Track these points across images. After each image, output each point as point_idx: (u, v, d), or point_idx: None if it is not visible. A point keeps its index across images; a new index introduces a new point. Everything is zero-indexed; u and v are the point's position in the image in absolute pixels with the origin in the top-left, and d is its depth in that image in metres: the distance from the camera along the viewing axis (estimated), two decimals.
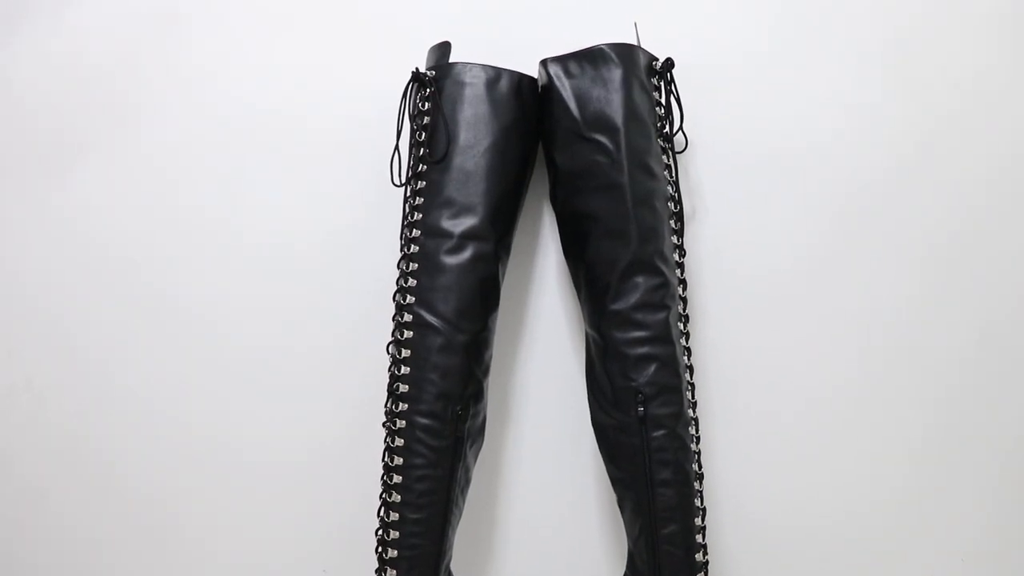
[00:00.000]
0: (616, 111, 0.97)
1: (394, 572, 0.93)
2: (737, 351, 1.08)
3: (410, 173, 1.00)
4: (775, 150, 1.09)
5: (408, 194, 1.00)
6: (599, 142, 0.96)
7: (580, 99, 0.98)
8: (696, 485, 0.95)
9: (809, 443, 1.09)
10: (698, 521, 0.95)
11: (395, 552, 0.93)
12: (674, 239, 1.00)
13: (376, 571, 0.94)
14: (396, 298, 0.98)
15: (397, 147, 1.02)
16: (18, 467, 1.16)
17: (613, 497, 0.98)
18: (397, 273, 0.97)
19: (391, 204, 1.06)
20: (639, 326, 0.95)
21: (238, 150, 1.13)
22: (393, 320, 0.97)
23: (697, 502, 0.95)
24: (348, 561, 1.10)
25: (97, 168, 1.15)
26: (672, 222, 0.99)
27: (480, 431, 0.99)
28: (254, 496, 1.13)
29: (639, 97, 0.98)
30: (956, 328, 1.09)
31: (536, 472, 1.10)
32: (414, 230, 0.98)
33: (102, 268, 1.15)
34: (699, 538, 0.95)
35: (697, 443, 0.96)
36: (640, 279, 0.95)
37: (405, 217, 0.99)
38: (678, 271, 0.99)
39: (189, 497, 1.14)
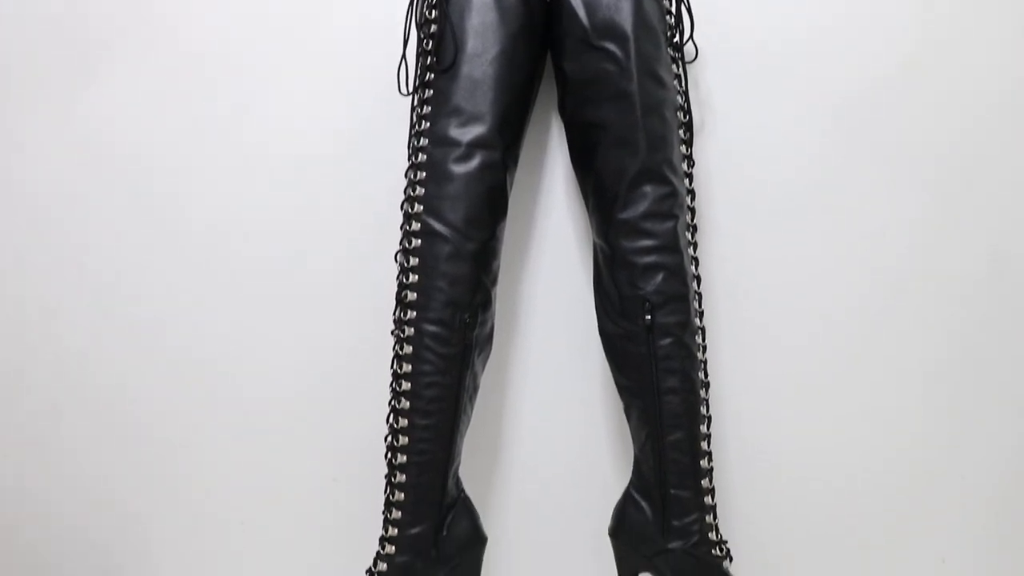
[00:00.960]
0: (626, 19, 0.95)
1: (403, 477, 0.94)
2: (743, 263, 1.08)
3: (417, 82, 0.99)
4: (786, 61, 1.08)
5: (415, 103, 0.99)
6: (608, 50, 0.95)
7: (589, 7, 0.96)
8: (702, 393, 0.96)
9: (813, 356, 1.10)
10: (703, 428, 0.96)
11: (404, 458, 0.95)
12: (683, 149, 0.99)
13: (386, 476, 0.96)
14: (404, 207, 0.97)
15: (404, 56, 1.02)
16: (29, 385, 1.17)
17: (620, 405, 0.99)
18: (405, 182, 0.97)
19: (399, 114, 1.05)
20: (647, 235, 0.95)
21: (249, 61, 1.12)
22: (401, 229, 0.97)
23: (703, 410, 0.96)
24: (358, 470, 1.11)
25: (111, 81, 1.14)
26: (681, 132, 0.99)
27: (488, 339, 1.00)
28: (263, 408, 1.14)
29: (649, 5, 0.96)
30: (967, 243, 1.09)
31: (543, 381, 1.12)
32: (422, 139, 0.97)
33: (115, 182, 1.14)
34: (704, 445, 0.96)
35: (703, 352, 0.97)
36: (648, 188, 0.95)
37: (412, 126, 0.99)
38: (687, 181, 0.99)
39: (199, 410, 1.15)
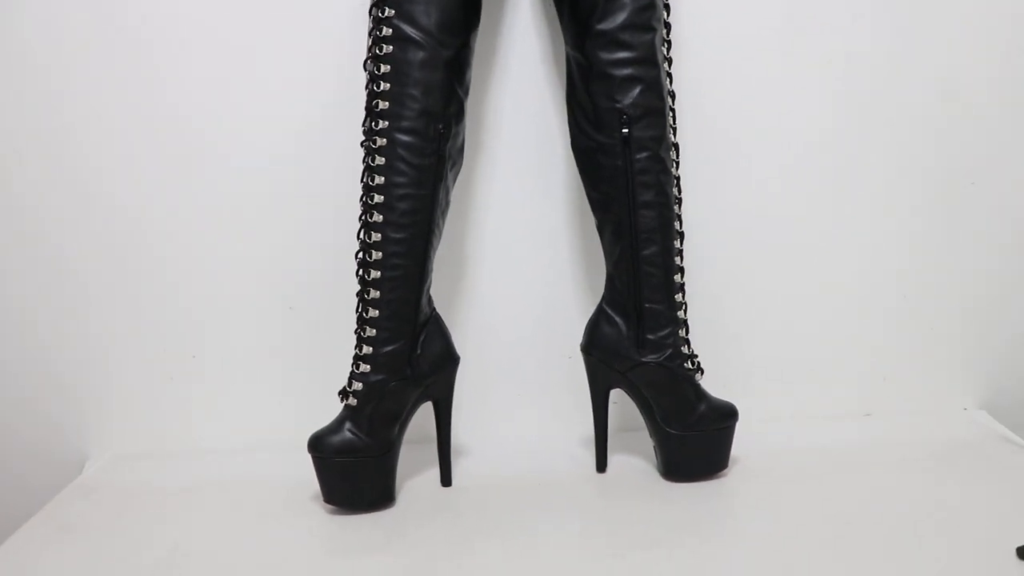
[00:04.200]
0: None
1: (377, 293, 0.91)
2: (715, 83, 1.08)
3: None
4: None
5: None
6: None
7: None
8: (676, 208, 0.97)
9: (781, 180, 1.12)
10: (677, 244, 0.97)
11: (378, 273, 0.91)
12: None
13: (357, 294, 0.92)
14: (372, 11, 0.92)
15: None
16: None
17: (586, 224, 0.98)
18: None
19: None
20: (625, 46, 0.93)
21: None
22: (370, 35, 0.92)
23: (676, 225, 0.97)
24: (312, 297, 1.09)
25: None
26: None
27: (460, 153, 0.97)
28: (224, 224, 1.09)
29: None
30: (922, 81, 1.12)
31: (508, 198, 1.10)
32: None
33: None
34: (677, 260, 0.97)
35: (677, 168, 0.97)
36: None
37: None
38: None
39: (164, 210, 1.09)
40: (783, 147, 1.11)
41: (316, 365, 1.08)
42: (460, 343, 1.00)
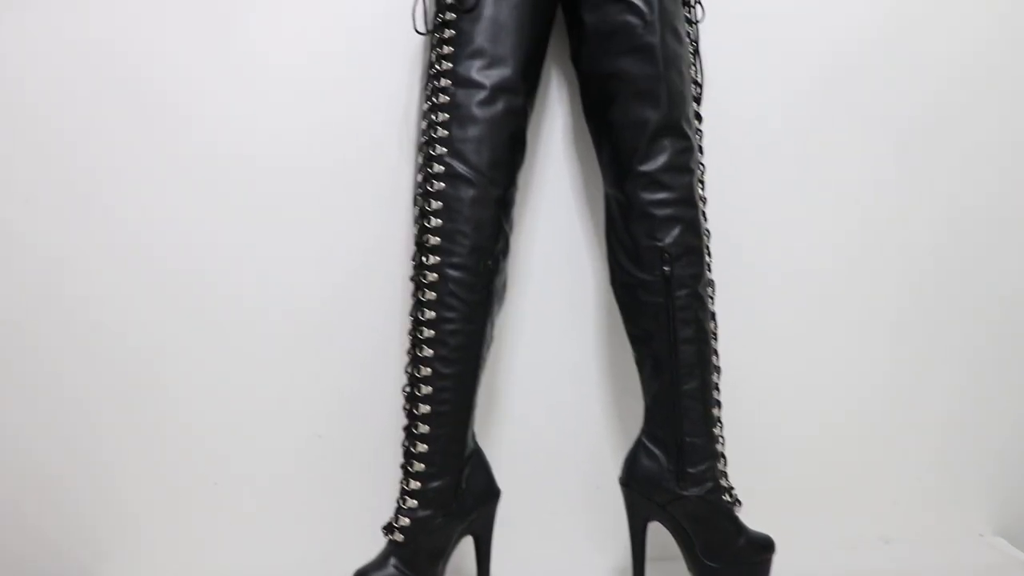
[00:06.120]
0: None
1: (426, 428, 0.91)
2: (736, 221, 1.12)
3: (437, 20, 0.96)
4: (776, 28, 1.12)
5: (434, 43, 0.96)
6: (631, 3, 0.95)
7: None
8: (713, 343, 0.99)
9: (793, 307, 1.15)
10: (715, 378, 0.99)
11: (427, 407, 0.91)
12: (694, 105, 1.01)
13: (404, 428, 0.92)
14: (424, 149, 0.94)
15: None
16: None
17: (622, 355, 0.99)
18: (419, 119, 0.94)
19: (405, 51, 1.03)
20: (666, 188, 0.96)
21: None
22: (421, 171, 0.94)
23: (714, 360, 0.99)
24: (341, 425, 1.08)
25: None
26: (693, 88, 1.01)
27: (504, 288, 0.98)
28: (245, 359, 1.07)
29: None
30: (932, 205, 1.17)
31: (544, 329, 1.11)
32: (443, 79, 0.94)
33: (116, 98, 1.04)
34: (715, 394, 0.99)
35: (713, 303, 1.00)
36: (668, 142, 0.96)
37: (431, 66, 0.95)
38: (698, 137, 1.01)
39: (177, 346, 1.07)
40: (798, 286, 1.15)
41: (345, 495, 1.07)
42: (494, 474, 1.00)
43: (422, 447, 0.91)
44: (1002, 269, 1.19)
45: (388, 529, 0.91)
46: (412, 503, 0.91)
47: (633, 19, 0.96)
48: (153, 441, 1.08)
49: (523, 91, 0.95)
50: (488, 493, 0.97)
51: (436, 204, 0.93)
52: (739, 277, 1.12)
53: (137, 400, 1.08)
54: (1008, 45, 1.17)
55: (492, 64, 0.94)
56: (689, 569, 0.99)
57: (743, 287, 1.13)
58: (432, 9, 0.97)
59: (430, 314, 0.92)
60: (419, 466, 0.91)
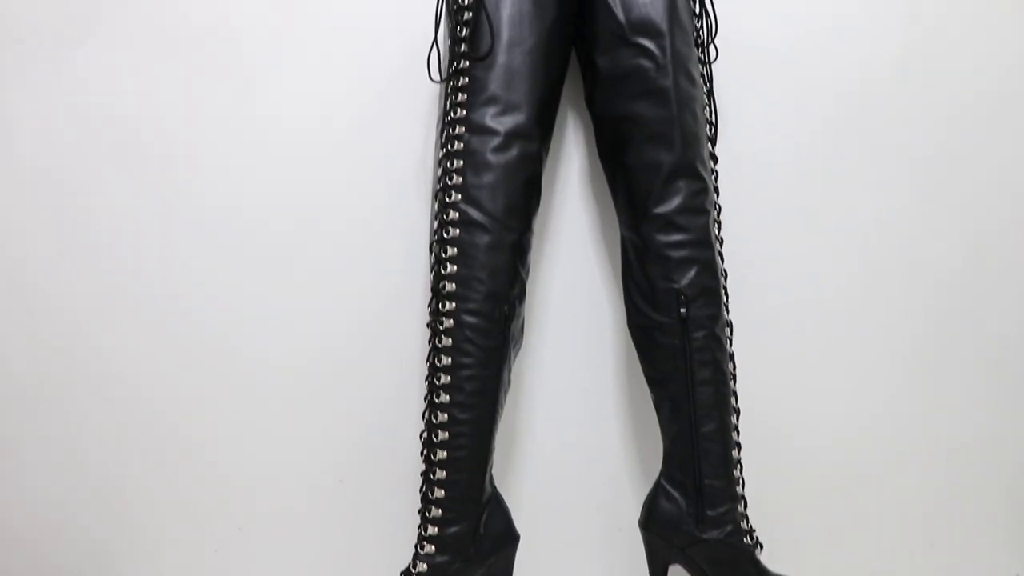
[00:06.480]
0: (661, 16, 0.97)
1: (444, 473, 0.91)
2: (753, 260, 1.12)
3: (452, 68, 0.97)
4: (788, 67, 1.12)
5: (448, 90, 0.97)
6: (644, 46, 0.96)
7: (625, 2, 0.98)
8: (731, 384, 0.98)
9: (809, 344, 1.14)
10: (733, 419, 0.98)
11: (444, 453, 0.92)
12: (709, 146, 1.02)
13: (422, 474, 0.92)
14: (439, 195, 0.95)
15: (436, 42, 0.99)
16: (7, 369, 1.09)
17: (639, 397, 0.99)
18: (435, 166, 0.95)
19: (418, 99, 1.04)
20: (681, 230, 0.96)
21: (262, 36, 1.08)
22: (437, 218, 0.95)
23: (732, 401, 0.98)
24: (362, 471, 1.08)
25: (106, 39, 1.08)
26: (707, 129, 1.01)
27: (520, 333, 0.99)
28: (267, 405, 1.09)
29: (680, 3, 0.99)
30: (949, 237, 1.16)
31: (558, 375, 1.11)
32: (457, 127, 0.95)
33: (118, 156, 1.07)
34: (734, 436, 0.98)
35: (731, 344, 0.99)
36: (682, 183, 0.96)
37: (446, 113, 0.97)
38: (713, 177, 1.01)
39: (204, 395, 1.09)
40: (816, 325, 1.14)
41: (365, 540, 1.08)
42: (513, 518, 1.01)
43: (440, 492, 0.92)
44: (1016, 295, 1.18)
45: (407, 574, 0.92)
46: (430, 548, 0.92)
47: (646, 63, 0.96)
48: (180, 486, 1.10)
49: (537, 136, 0.96)
50: (507, 537, 0.97)
51: (452, 251, 0.94)
52: (758, 317, 1.12)
53: (167, 448, 1.10)
54: (1020, 76, 1.16)
55: (506, 111, 0.95)
56: None
57: (761, 327, 1.12)
58: (446, 57, 0.99)
59: (447, 360, 0.93)
60: (437, 511, 0.92)
